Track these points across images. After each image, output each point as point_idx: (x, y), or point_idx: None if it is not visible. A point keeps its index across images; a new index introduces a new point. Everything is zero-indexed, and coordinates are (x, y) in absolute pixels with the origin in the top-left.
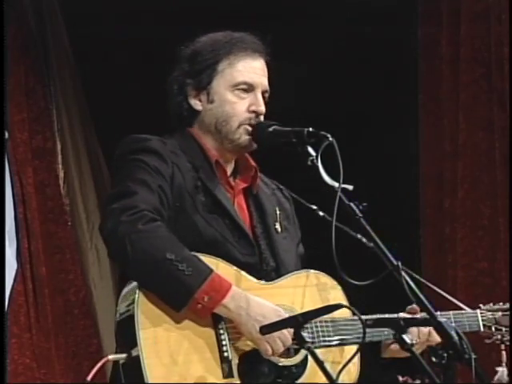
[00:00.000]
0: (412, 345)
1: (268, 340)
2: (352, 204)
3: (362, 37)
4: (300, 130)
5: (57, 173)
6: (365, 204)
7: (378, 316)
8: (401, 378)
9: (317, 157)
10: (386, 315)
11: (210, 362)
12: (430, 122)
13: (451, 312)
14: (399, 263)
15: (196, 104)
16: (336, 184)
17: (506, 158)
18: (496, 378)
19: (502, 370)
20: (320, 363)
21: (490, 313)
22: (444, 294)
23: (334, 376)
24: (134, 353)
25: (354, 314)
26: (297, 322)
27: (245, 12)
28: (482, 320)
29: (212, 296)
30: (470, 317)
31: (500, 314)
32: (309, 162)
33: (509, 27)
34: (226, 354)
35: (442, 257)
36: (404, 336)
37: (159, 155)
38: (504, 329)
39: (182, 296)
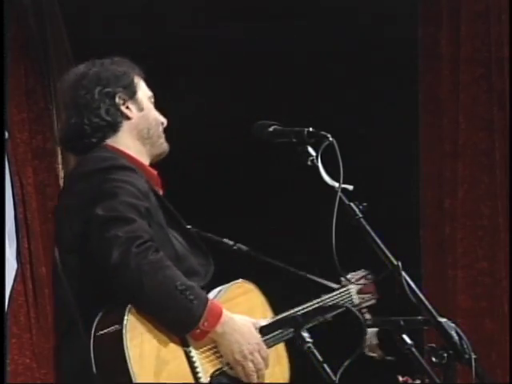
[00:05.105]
0: (412, 345)
1: (253, 359)
2: (352, 204)
3: (362, 37)
4: (300, 130)
5: (57, 173)
6: (365, 204)
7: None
8: (401, 378)
9: (317, 157)
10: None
11: None
12: (429, 122)
13: (326, 296)
14: (399, 263)
15: (128, 111)
16: (336, 184)
17: (506, 158)
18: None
19: (371, 331)
20: (320, 363)
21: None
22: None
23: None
24: None
25: (349, 312)
26: (297, 322)
27: (243, 12)
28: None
29: (209, 321)
30: (343, 294)
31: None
32: (309, 162)
33: (509, 27)
34: (199, 375)
35: (442, 257)
36: (404, 336)
37: (134, 171)
38: (366, 296)
39: (189, 322)
